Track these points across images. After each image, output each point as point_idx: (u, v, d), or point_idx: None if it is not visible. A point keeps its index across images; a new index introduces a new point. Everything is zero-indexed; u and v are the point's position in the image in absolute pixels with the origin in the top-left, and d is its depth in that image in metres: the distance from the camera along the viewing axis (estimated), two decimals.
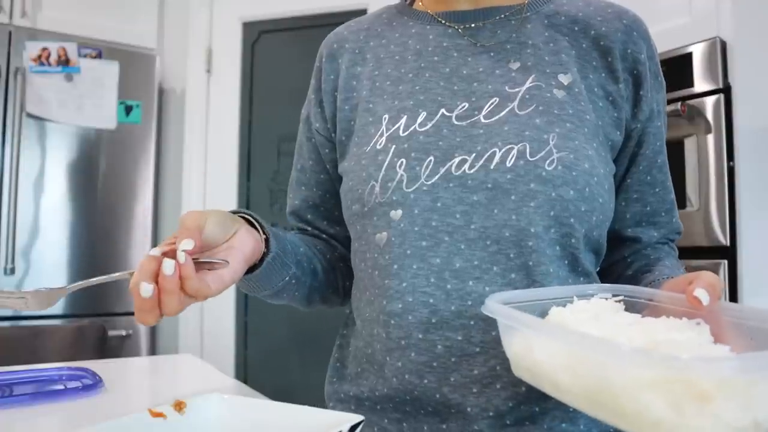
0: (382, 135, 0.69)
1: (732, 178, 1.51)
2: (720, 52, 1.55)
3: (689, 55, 1.60)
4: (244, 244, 0.58)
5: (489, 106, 0.67)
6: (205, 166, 2.49)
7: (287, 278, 0.69)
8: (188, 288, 0.50)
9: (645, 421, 0.38)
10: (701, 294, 0.48)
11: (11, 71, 2.01)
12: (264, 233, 0.64)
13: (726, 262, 1.49)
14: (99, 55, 2.16)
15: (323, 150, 0.80)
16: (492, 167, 0.63)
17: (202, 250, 0.55)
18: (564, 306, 0.54)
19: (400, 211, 0.66)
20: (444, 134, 0.66)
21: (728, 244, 1.51)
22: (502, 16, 0.72)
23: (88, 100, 2.13)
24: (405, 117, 0.69)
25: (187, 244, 0.50)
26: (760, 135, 1.54)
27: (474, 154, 0.64)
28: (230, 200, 2.46)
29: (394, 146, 0.67)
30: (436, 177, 0.65)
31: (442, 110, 0.68)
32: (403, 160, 0.66)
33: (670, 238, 0.77)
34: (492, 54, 0.70)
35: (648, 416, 0.37)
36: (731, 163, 1.52)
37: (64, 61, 2.09)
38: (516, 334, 0.50)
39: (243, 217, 0.63)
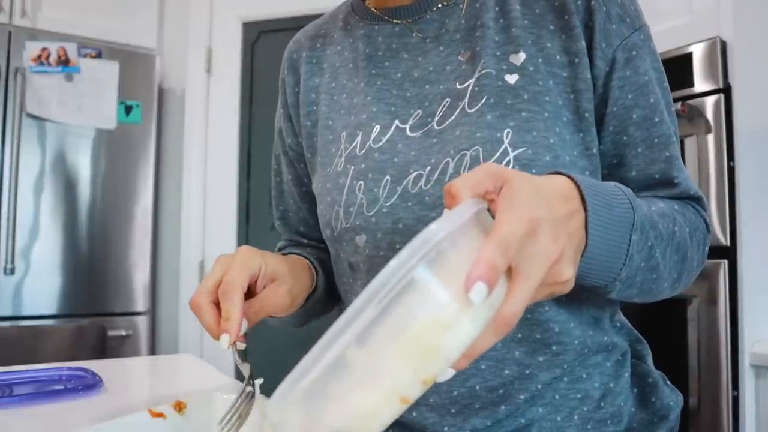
0: (341, 155, 0.67)
1: (732, 178, 1.51)
2: (720, 52, 1.54)
3: (689, 55, 1.60)
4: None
5: (441, 110, 0.63)
6: (205, 166, 2.48)
7: (294, 319, 0.75)
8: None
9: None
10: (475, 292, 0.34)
11: (11, 71, 2.01)
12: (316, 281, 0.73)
13: (726, 262, 1.49)
14: (99, 55, 2.15)
15: (299, 165, 0.78)
16: (447, 180, 0.59)
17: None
18: None
19: (364, 236, 0.63)
20: (399, 149, 0.63)
21: (728, 244, 1.50)
22: (446, 2, 0.67)
23: (88, 100, 2.13)
24: (361, 133, 0.66)
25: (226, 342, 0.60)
26: (760, 135, 1.54)
27: (429, 168, 0.61)
28: (230, 200, 2.45)
29: (352, 167, 0.65)
30: (395, 197, 0.62)
31: (396, 122, 0.65)
32: (362, 182, 0.64)
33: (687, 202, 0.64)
34: (442, 48, 0.65)
35: None
36: (731, 163, 1.52)
37: (64, 61, 2.09)
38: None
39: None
